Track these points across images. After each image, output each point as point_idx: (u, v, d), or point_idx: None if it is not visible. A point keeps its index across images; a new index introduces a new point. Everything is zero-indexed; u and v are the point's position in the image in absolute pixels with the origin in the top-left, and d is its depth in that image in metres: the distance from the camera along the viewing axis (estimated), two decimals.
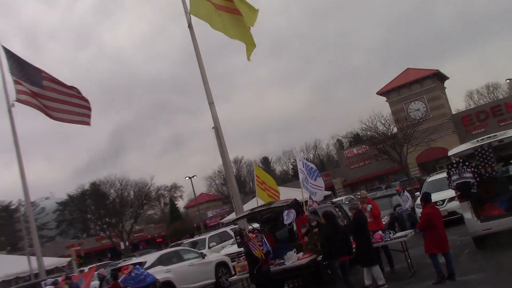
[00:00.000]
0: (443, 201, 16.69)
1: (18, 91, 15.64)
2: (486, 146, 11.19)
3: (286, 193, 20.71)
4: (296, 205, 12.41)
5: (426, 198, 9.99)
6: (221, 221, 47.34)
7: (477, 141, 11.61)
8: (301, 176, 15.73)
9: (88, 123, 15.90)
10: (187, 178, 63.47)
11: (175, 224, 68.34)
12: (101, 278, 14.30)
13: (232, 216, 25.13)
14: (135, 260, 16.79)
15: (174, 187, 77.74)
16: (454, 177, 11.28)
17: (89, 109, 15.71)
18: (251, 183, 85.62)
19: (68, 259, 27.71)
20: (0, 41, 16.17)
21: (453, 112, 63.15)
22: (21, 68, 15.70)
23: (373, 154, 57.26)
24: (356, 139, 76.79)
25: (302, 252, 11.34)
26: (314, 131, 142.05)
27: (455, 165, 11.28)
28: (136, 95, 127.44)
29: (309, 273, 10.99)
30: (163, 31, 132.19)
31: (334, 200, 22.61)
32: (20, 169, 16.04)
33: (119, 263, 22.74)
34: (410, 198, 18.33)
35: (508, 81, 62.98)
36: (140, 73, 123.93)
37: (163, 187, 71.90)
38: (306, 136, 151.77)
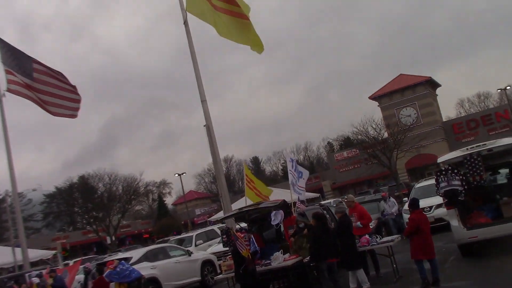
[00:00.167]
0: (431, 207, 16.78)
1: (9, 81, 15.45)
2: (475, 154, 11.24)
3: (275, 194, 20.70)
4: (284, 206, 12.42)
5: (414, 204, 10.02)
6: (208, 219, 47.21)
7: (467, 149, 11.66)
8: (290, 177, 15.79)
9: (75, 116, 15.78)
10: (177, 175, 63.35)
11: (163, 221, 68.24)
12: (87, 272, 14.18)
13: (220, 214, 25.08)
14: (121, 255, 16.70)
15: (163, 184, 78.00)
16: (442, 184, 11.31)
17: (78, 101, 15.59)
18: (240, 183, 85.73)
19: (54, 252, 27.47)
20: None
21: (444, 120, 63.55)
22: (14, 58, 15.51)
23: (363, 158, 57.48)
24: (346, 143, 77.04)
25: (288, 253, 11.36)
26: (305, 133, 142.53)
27: (444, 172, 11.32)
28: (129, 89, 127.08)
29: (295, 274, 11.00)
30: (158, 27, 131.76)
31: (322, 202, 22.66)
32: (8, 159, 15.87)
33: (105, 257, 22.59)
34: (396, 204, 18.41)
35: (499, 90, 63.44)
36: (133, 67, 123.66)
37: (152, 183, 72.25)
38: (297, 138, 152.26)
